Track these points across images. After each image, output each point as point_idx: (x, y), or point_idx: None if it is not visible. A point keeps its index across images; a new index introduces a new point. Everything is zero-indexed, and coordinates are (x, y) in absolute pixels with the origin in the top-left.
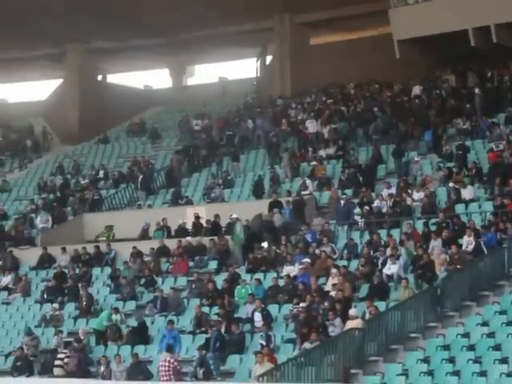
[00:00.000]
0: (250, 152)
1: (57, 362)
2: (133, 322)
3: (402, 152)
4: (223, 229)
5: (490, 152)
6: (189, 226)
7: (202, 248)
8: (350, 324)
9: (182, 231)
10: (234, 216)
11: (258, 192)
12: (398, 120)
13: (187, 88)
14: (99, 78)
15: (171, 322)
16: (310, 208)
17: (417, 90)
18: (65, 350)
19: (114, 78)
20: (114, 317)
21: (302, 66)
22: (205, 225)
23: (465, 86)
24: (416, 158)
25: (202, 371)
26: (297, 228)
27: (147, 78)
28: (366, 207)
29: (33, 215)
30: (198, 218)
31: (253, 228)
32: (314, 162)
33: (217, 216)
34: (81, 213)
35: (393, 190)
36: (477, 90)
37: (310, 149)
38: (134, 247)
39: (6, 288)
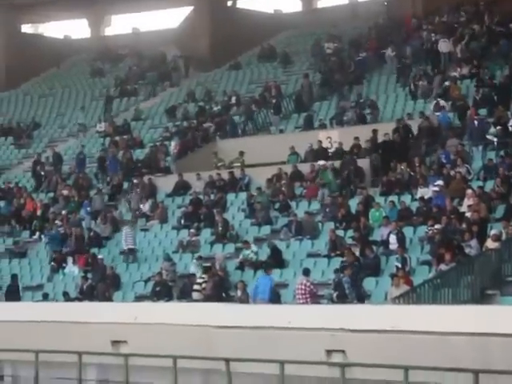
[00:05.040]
0: (381, 74)
1: (195, 287)
2: (265, 248)
3: None
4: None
5: None
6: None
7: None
8: (491, 245)
9: (315, 155)
10: (322, 162)
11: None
12: None
13: (317, 11)
14: (229, 3)
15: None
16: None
17: None
18: (203, 275)
19: (243, 3)
20: (245, 252)
21: None
22: (335, 148)
23: None
24: None
25: (336, 294)
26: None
27: (277, 1)
28: (501, 127)
29: (167, 143)
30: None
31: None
32: (447, 82)
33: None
34: (214, 139)
35: None
36: None
37: (443, 69)
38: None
39: (143, 215)
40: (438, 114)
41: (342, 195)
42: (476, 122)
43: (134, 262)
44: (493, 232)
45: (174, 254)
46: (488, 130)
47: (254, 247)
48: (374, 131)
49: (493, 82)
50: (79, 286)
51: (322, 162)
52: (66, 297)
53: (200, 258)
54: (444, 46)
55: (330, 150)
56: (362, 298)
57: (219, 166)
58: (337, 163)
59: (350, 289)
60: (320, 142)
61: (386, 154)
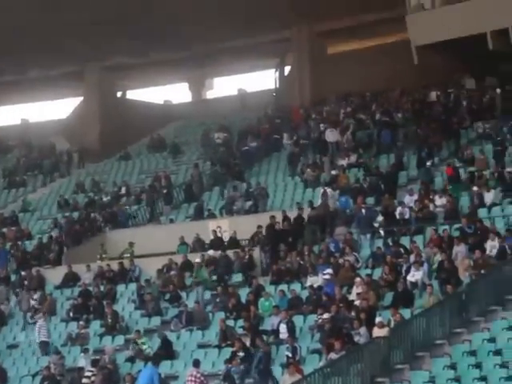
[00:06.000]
0: (270, 163)
1: (84, 381)
2: (156, 339)
3: (423, 160)
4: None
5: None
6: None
7: (225, 261)
8: (378, 332)
9: (203, 244)
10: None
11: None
12: (418, 126)
13: (207, 101)
14: (119, 94)
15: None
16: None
17: (433, 95)
18: (91, 368)
19: (133, 94)
20: (141, 345)
21: (320, 75)
22: (226, 238)
23: (484, 89)
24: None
25: None
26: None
27: (167, 92)
28: (387, 215)
29: (54, 234)
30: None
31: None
32: (333, 171)
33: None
34: (104, 230)
35: (415, 197)
36: (498, 90)
37: (330, 158)
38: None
39: (32, 308)
40: (339, 199)
41: (232, 286)
42: (364, 211)
43: (48, 355)
44: (378, 320)
45: (62, 347)
46: (375, 219)
47: (144, 338)
48: (272, 217)
49: (379, 170)
50: None
51: (211, 252)
52: None
53: (87, 350)
54: (331, 135)
55: (224, 240)
56: None
57: (104, 257)
58: (230, 252)
59: (240, 379)
60: (214, 231)
61: (276, 243)
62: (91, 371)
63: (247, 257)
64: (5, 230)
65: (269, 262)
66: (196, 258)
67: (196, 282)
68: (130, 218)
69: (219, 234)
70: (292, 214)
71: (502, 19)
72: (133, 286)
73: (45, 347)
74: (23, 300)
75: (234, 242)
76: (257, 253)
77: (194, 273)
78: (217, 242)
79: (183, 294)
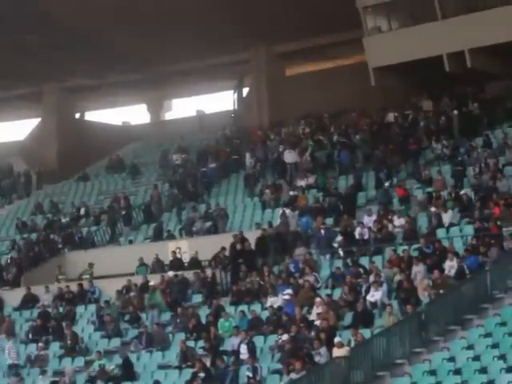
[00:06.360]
0: (229, 184)
1: None
2: (117, 360)
3: (382, 181)
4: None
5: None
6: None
7: (185, 282)
8: (337, 352)
9: (162, 265)
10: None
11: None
12: (376, 148)
13: (165, 123)
14: (77, 115)
15: None
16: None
17: (391, 116)
18: None
19: (91, 116)
20: (97, 362)
21: (278, 96)
22: (186, 259)
23: (440, 111)
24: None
25: None
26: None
27: (125, 114)
28: (346, 236)
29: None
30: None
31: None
32: (292, 192)
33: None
34: (63, 251)
35: (374, 217)
36: (455, 112)
37: (289, 179)
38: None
39: None
40: (300, 220)
41: (192, 306)
42: (323, 231)
43: (17, 376)
44: (336, 340)
45: (21, 369)
46: (334, 239)
47: (104, 359)
48: (235, 236)
49: (338, 191)
50: None
51: (170, 274)
52: None
53: (45, 372)
54: (289, 156)
55: (185, 261)
56: None
57: (60, 278)
58: (189, 273)
59: None
60: (174, 252)
61: (238, 263)
62: None
63: (210, 276)
64: None
65: (229, 282)
66: (152, 281)
67: (150, 304)
68: (88, 239)
69: (179, 255)
70: (250, 235)
71: (458, 42)
72: (92, 308)
73: (15, 369)
74: None
75: (195, 263)
76: (217, 273)
77: (148, 296)
78: (176, 263)
79: (143, 315)
